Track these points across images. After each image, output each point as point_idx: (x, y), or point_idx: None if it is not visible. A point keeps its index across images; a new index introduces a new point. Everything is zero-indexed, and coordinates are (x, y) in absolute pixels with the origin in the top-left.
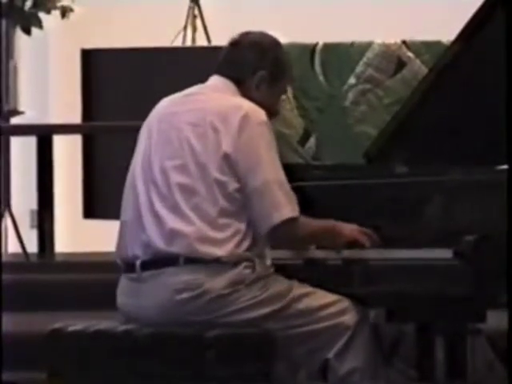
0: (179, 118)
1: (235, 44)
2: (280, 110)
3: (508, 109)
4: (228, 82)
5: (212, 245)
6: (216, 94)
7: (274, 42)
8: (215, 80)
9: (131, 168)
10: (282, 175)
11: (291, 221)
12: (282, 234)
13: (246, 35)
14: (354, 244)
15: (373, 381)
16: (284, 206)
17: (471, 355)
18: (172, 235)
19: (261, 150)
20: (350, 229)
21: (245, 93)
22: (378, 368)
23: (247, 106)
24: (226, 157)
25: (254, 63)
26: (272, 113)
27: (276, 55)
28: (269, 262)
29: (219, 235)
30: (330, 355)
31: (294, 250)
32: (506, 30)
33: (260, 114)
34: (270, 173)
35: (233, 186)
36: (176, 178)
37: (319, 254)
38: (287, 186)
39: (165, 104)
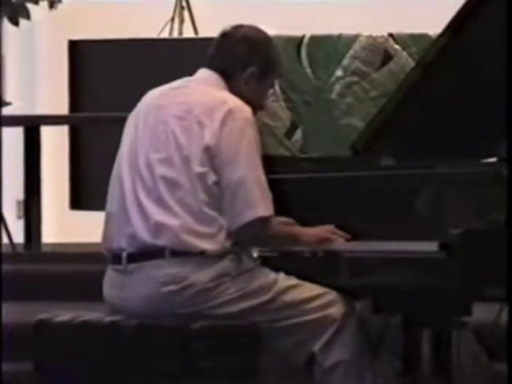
0: (165, 111)
1: (226, 37)
2: (266, 104)
3: (508, 106)
4: (216, 76)
5: (198, 238)
6: (203, 88)
7: (266, 38)
8: (203, 73)
9: (117, 159)
10: (260, 174)
11: (263, 220)
12: (253, 231)
13: (237, 29)
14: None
15: (359, 373)
16: (258, 205)
17: (457, 348)
18: (157, 228)
19: (241, 146)
20: (313, 234)
21: (233, 87)
22: (364, 361)
23: (233, 101)
24: (207, 149)
25: (245, 59)
26: (258, 107)
27: (267, 51)
28: (255, 255)
29: (205, 229)
30: (316, 348)
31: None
32: (506, 28)
33: (245, 110)
34: (247, 170)
35: (212, 178)
36: (161, 171)
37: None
38: (264, 185)
39: (152, 96)
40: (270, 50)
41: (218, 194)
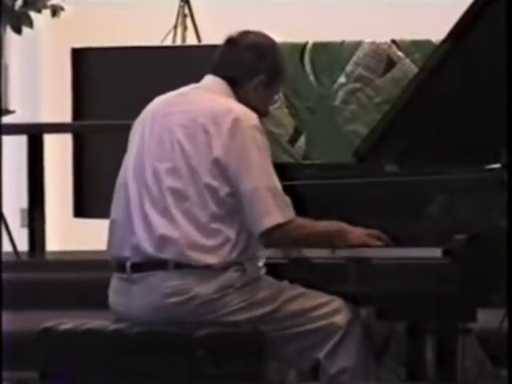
0: (171, 119)
1: (232, 44)
2: (270, 110)
3: (508, 109)
4: (223, 83)
5: (202, 251)
6: (209, 95)
7: (273, 45)
8: (210, 80)
9: (123, 166)
10: (273, 180)
11: (280, 226)
12: (274, 238)
13: (244, 35)
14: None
15: (363, 380)
16: (273, 212)
17: (461, 354)
18: (162, 241)
19: (251, 154)
20: (357, 234)
21: (240, 95)
22: (369, 367)
23: (239, 109)
24: (217, 161)
25: (254, 67)
26: (264, 114)
27: (275, 58)
28: (261, 264)
29: (210, 242)
30: (321, 355)
31: (292, 250)
32: (506, 30)
33: (251, 117)
34: (259, 178)
35: (224, 190)
36: (168, 181)
37: (310, 253)
38: (278, 191)
39: (158, 103)
40: (277, 57)
41: (231, 206)
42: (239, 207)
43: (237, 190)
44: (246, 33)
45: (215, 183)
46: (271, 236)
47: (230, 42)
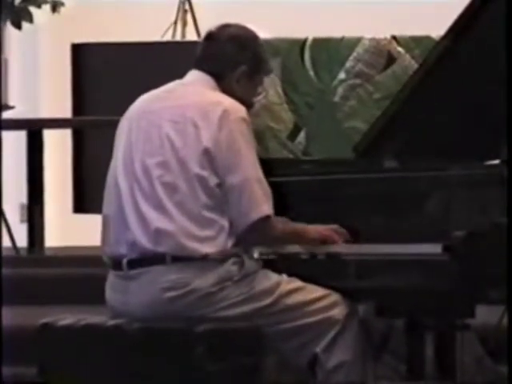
0: (159, 114)
1: (213, 38)
2: (255, 101)
3: (508, 106)
4: (207, 77)
5: (198, 242)
6: (195, 90)
7: (253, 36)
8: (194, 75)
9: (112, 164)
10: (260, 173)
11: (268, 218)
12: (259, 231)
13: (224, 28)
14: (324, 243)
15: (361, 374)
16: (262, 204)
17: (460, 350)
18: (158, 235)
19: (241, 146)
20: (316, 231)
21: (224, 87)
22: (366, 362)
23: (227, 102)
24: (206, 151)
25: (235, 58)
26: (248, 105)
27: (255, 49)
28: (256, 256)
29: (204, 232)
30: (318, 349)
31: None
32: (506, 27)
33: (240, 110)
34: (249, 170)
35: (213, 181)
36: (158, 175)
37: (310, 248)
38: (265, 184)
39: (143, 101)
40: (258, 48)
41: (220, 196)
42: (226, 198)
43: (224, 181)
44: (225, 26)
45: (205, 173)
46: (259, 227)
47: (211, 36)
